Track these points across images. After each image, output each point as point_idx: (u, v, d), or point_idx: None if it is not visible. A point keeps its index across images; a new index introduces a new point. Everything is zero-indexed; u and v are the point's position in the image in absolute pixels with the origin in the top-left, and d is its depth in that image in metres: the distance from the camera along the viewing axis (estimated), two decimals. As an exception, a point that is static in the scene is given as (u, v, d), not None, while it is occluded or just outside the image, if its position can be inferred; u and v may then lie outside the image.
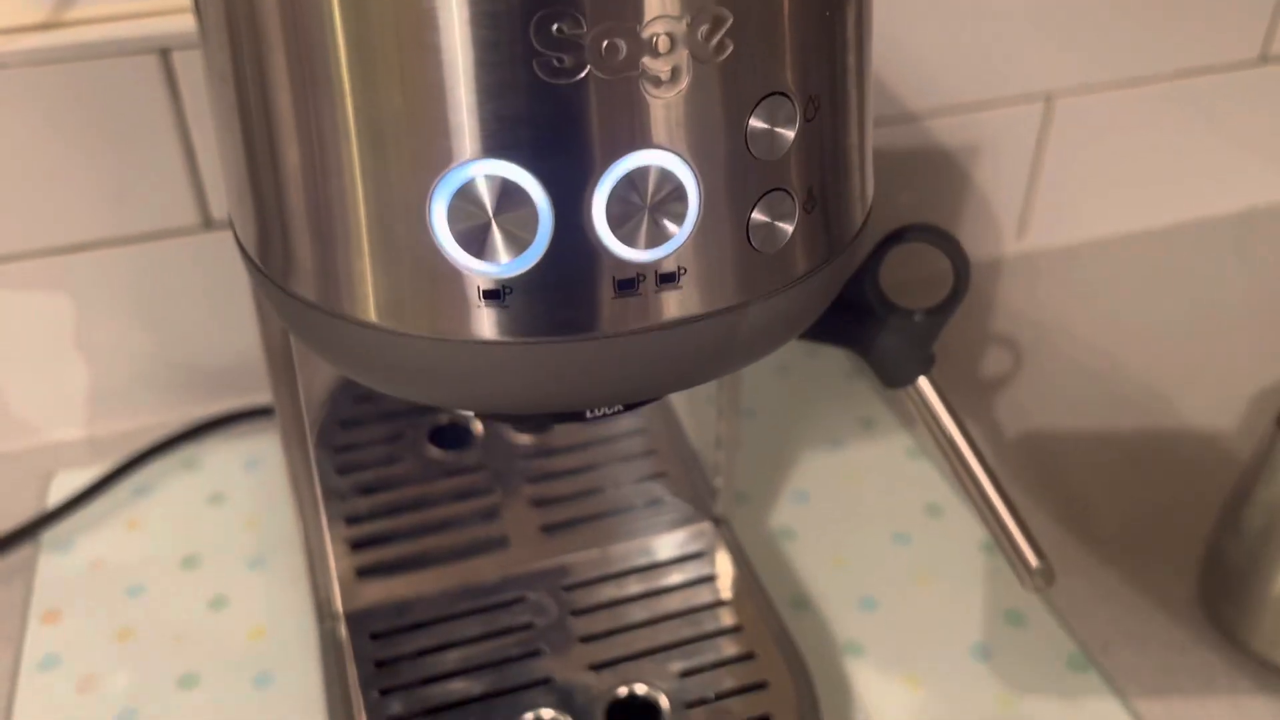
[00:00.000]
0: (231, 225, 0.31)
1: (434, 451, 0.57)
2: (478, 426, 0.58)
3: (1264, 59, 0.79)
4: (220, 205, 0.61)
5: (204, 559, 0.58)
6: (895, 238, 0.39)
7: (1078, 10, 0.72)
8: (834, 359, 0.71)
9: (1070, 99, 0.76)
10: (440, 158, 0.25)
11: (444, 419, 0.58)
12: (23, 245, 0.59)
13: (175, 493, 0.62)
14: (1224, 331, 0.75)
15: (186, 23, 0.55)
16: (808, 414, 0.67)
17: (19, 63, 0.54)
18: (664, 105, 0.25)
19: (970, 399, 0.68)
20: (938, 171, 0.76)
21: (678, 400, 0.58)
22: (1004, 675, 0.52)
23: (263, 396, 0.65)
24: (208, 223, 0.61)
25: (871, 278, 0.39)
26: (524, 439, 0.58)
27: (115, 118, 0.57)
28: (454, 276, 0.26)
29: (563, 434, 0.58)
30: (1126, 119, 0.78)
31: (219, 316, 0.64)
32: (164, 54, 0.56)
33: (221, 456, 0.64)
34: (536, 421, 0.34)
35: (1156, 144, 0.80)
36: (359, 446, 0.56)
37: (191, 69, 0.57)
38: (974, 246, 0.80)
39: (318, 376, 0.54)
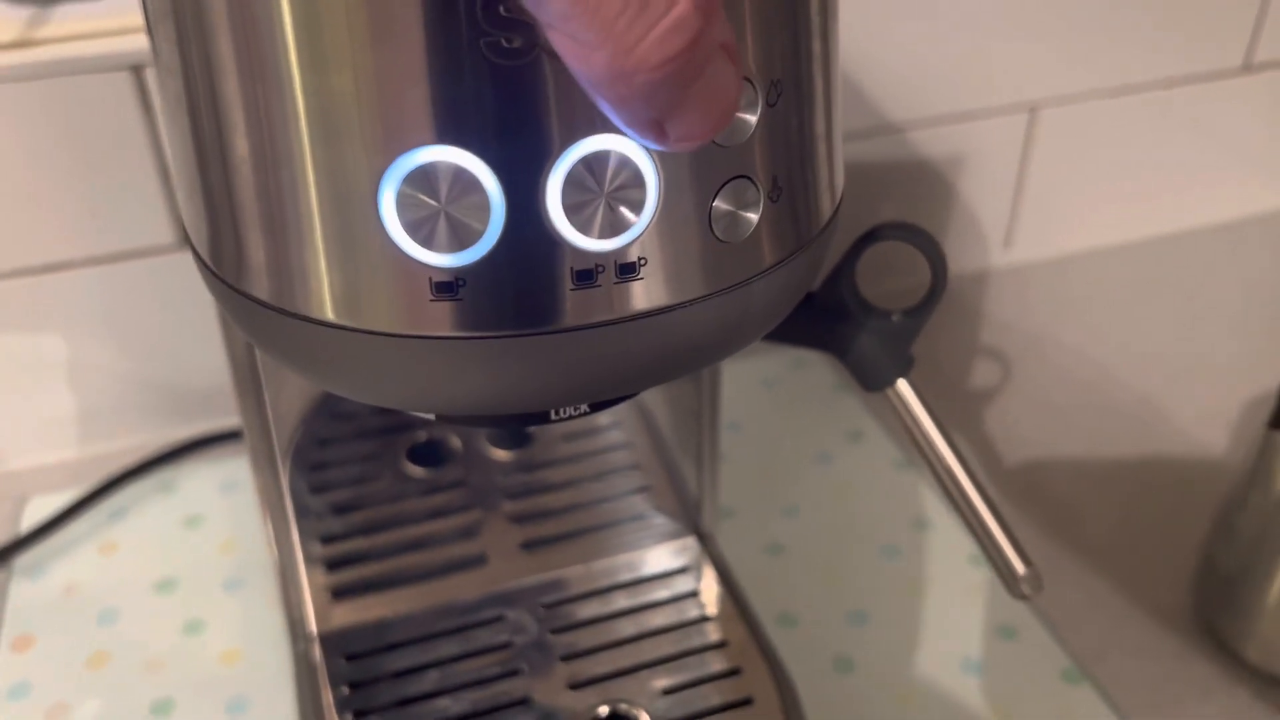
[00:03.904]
0: (184, 229, 0.30)
1: (412, 469, 0.56)
2: (456, 443, 0.57)
3: (1247, 68, 0.79)
4: (196, 224, 0.60)
5: (179, 583, 0.57)
6: (870, 237, 0.38)
7: (1060, 20, 0.72)
8: (820, 372, 0.70)
9: (1054, 109, 0.75)
10: (388, 144, 0.24)
11: (422, 436, 0.57)
12: (-6, 266, 0.58)
13: (151, 516, 0.61)
14: (1213, 340, 0.74)
15: (158, 38, 0.55)
16: (794, 427, 0.66)
17: (-11, 80, 0.53)
18: (619, 88, 0.24)
19: (959, 411, 0.67)
20: (922, 183, 0.75)
21: (661, 413, 0.57)
22: (996, 689, 0.51)
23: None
24: (183, 242, 0.60)
25: (848, 279, 0.39)
26: (503, 455, 0.57)
27: (88, 135, 0.56)
28: (406, 269, 0.25)
29: (543, 449, 0.57)
30: (1111, 129, 0.78)
31: (196, 337, 0.63)
32: (136, 71, 0.55)
33: (198, 479, 0.63)
34: (502, 425, 0.33)
35: (1141, 154, 0.80)
36: (335, 465, 0.55)
37: (164, 85, 0.56)
38: (960, 259, 0.79)
39: (294, 395, 0.53)
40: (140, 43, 0.55)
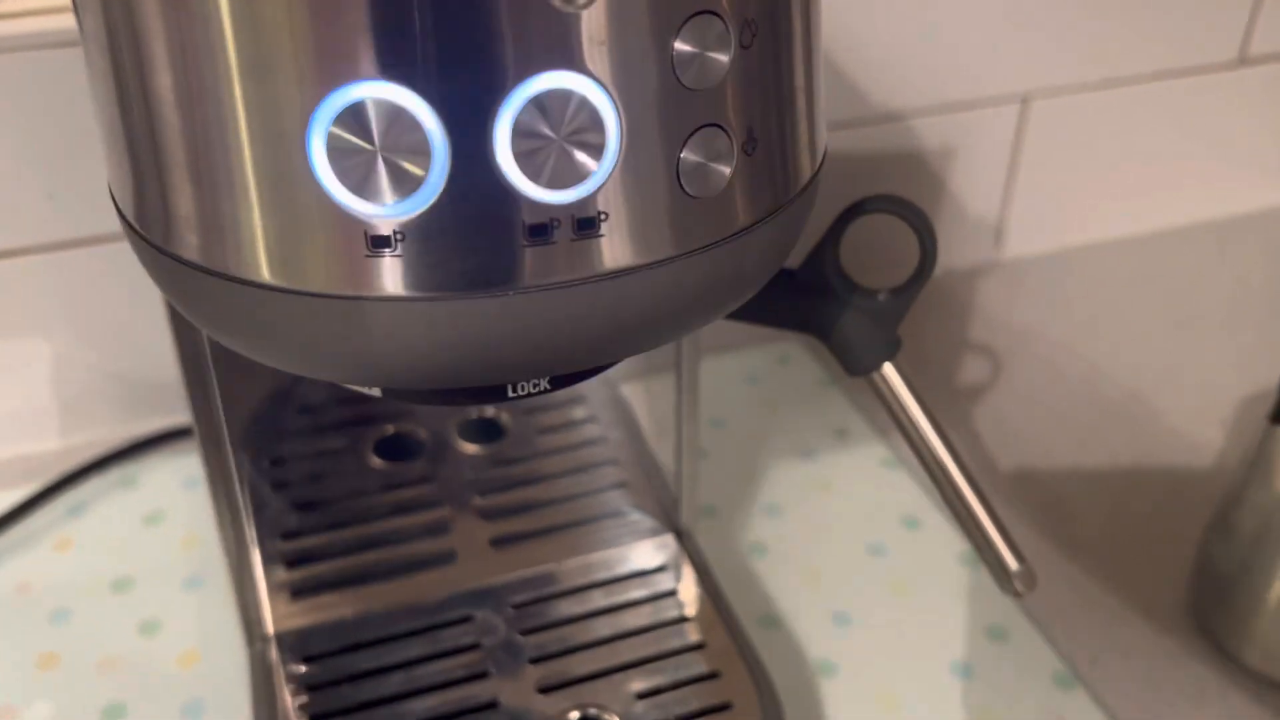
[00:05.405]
0: (110, 189, 0.28)
1: (378, 463, 0.54)
2: (424, 436, 0.55)
3: (1241, 61, 0.78)
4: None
5: (136, 581, 0.55)
6: (856, 209, 0.36)
7: (1054, 10, 0.70)
8: (805, 368, 0.69)
9: (1047, 100, 0.74)
10: (319, 79, 0.22)
11: (389, 429, 0.55)
12: (-55, 250, 0.56)
13: (110, 512, 0.59)
14: (1205, 337, 0.73)
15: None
16: (779, 424, 0.65)
17: (-61, 55, 0.51)
18: (577, 19, 0.22)
19: (948, 408, 0.66)
20: (913, 175, 0.73)
21: (638, 406, 0.55)
22: (986, 693, 0.49)
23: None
24: (144, 227, 0.58)
25: (832, 256, 0.36)
26: (473, 448, 0.55)
27: (44, 114, 0.54)
28: (340, 221, 0.23)
29: (515, 443, 0.55)
30: (1104, 121, 0.76)
31: (159, 327, 0.61)
32: (94, 47, 0.53)
33: (161, 474, 0.61)
34: (454, 402, 0.30)
35: (1134, 147, 0.78)
36: (298, 459, 0.53)
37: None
38: (951, 253, 0.77)
39: (253, 383, 0.51)
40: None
